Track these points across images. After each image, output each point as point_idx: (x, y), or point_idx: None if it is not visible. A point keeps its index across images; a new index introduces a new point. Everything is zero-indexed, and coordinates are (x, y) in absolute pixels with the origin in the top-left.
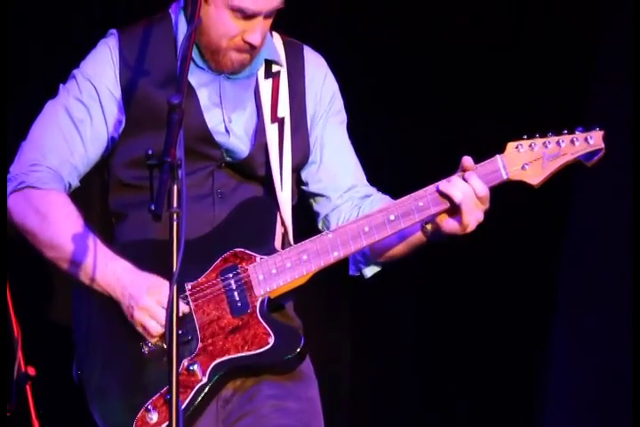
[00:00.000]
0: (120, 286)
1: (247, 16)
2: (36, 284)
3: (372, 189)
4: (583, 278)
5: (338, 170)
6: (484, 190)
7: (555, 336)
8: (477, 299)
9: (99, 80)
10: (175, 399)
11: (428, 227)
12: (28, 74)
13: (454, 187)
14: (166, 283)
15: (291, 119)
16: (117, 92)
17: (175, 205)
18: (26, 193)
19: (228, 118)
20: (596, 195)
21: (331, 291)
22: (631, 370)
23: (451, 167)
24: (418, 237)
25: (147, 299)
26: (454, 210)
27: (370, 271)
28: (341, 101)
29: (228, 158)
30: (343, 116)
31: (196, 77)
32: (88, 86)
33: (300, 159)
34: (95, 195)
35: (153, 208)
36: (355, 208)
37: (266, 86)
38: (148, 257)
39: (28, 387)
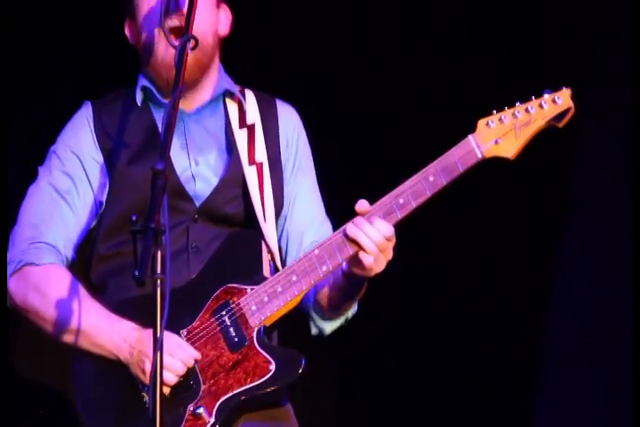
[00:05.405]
0: (128, 345)
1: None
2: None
3: None
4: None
5: (305, 226)
6: (390, 231)
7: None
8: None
9: (79, 148)
10: None
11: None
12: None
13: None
14: (171, 335)
15: (269, 165)
16: (99, 158)
17: (159, 270)
18: (25, 272)
19: (195, 162)
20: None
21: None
22: None
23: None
24: (343, 280)
25: None
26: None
27: (328, 327)
28: (309, 151)
29: (200, 207)
30: (312, 166)
31: (161, 118)
32: (70, 156)
33: (278, 204)
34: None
35: (137, 274)
36: None
37: (241, 134)
38: (136, 319)
39: None
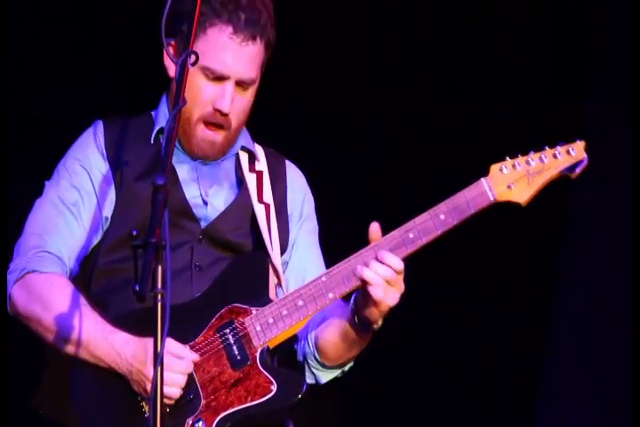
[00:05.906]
0: (124, 361)
1: (216, 78)
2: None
3: None
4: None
5: (305, 273)
6: (400, 265)
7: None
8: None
9: (88, 162)
10: None
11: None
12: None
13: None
14: (168, 340)
15: (275, 209)
16: (107, 174)
17: (159, 285)
18: (27, 279)
19: (205, 192)
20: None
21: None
22: None
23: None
24: (350, 326)
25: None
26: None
27: (324, 377)
28: (314, 212)
29: (205, 227)
30: (315, 223)
31: (174, 156)
32: (78, 169)
33: (284, 242)
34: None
35: (137, 289)
36: None
37: (251, 176)
38: (136, 334)
39: None
